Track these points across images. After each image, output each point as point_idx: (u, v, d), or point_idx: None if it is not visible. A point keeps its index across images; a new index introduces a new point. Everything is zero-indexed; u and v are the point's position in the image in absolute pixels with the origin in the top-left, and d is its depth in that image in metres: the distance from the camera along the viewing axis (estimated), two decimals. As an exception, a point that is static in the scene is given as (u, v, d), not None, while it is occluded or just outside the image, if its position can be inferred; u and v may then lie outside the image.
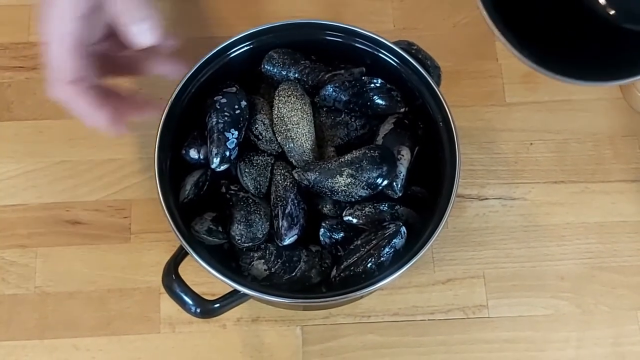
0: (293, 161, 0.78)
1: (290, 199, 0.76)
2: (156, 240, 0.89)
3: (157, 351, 0.85)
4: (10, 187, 0.90)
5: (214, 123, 0.76)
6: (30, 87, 0.94)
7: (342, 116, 0.81)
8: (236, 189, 0.78)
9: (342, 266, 0.74)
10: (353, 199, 0.76)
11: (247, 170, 0.78)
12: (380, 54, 0.81)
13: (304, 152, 0.78)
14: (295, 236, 0.76)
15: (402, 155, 0.77)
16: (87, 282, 0.87)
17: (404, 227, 0.74)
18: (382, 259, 0.73)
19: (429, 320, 0.87)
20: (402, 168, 0.77)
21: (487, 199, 0.91)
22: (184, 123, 0.79)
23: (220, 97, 0.78)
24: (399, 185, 0.77)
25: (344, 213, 0.76)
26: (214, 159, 0.76)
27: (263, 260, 0.76)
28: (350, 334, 0.86)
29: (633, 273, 0.88)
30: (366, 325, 0.86)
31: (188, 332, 0.85)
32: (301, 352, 0.85)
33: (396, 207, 0.77)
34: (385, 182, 0.75)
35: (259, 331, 0.86)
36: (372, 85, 0.80)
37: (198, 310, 0.73)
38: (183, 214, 0.75)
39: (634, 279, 0.88)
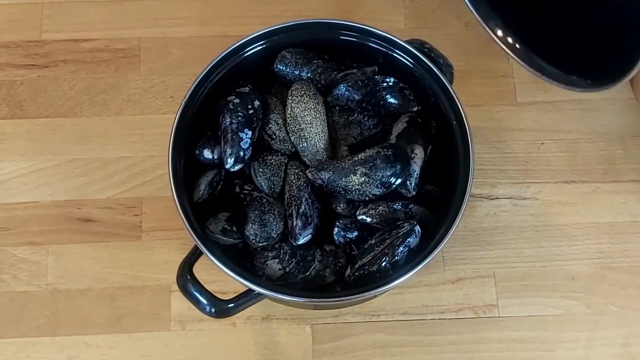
0: (306, 160, 0.78)
1: (304, 199, 0.76)
2: (167, 238, 0.89)
3: (167, 349, 0.85)
4: (22, 185, 0.91)
5: (227, 123, 0.77)
6: (42, 85, 0.95)
7: (355, 115, 0.81)
8: (250, 188, 0.78)
9: (357, 265, 0.75)
10: (367, 198, 0.76)
11: (261, 170, 0.78)
12: (393, 53, 0.81)
13: (318, 151, 0.78)
14: (310, 235, 0.76)
15: (416, 154, 0.78)
16: (98, 279, 0.87)
17: (418, 226, 0.74)
18: (396, 258, 0.74)
19: (438, 319, 0.87)
20: (416, 167, 0.77)
21: (497, 198, 0.91)
22: (198, 123, 0.79)
23: (234, 97, 0.78)
24: (413, 184, 0.77)
25: (357, 212, 0.76)
26: (228, 159, 0.76)
27: (277, 260, 0.76)
28: (360, 332, 0.86)
29: (644, 273, 0.88)
30: (376, 324, 0.86)
31: (198, 330, 0.85)
32: (311, 350, 0.85)
33: (410, 206, 0.77)
34: (399, 180, 0.75)
35: (269, 329, 0.86)
36: (385, 84, 0.80)
37: (213, 310, 0.73)
38: (197, 214, 0.75)
39: (645, 279, 0.88)
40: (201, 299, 0.73)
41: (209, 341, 0.85)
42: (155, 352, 0.85)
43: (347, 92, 0.79)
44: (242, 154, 0.76)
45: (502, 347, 0.86)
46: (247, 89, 0.79)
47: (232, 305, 0.74)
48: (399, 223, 0.75)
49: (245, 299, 0.74)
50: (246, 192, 0.78)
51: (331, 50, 0.82)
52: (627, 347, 0.86)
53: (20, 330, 0.85)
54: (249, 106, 0.77)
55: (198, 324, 0.85)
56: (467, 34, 0.98)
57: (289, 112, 0.78)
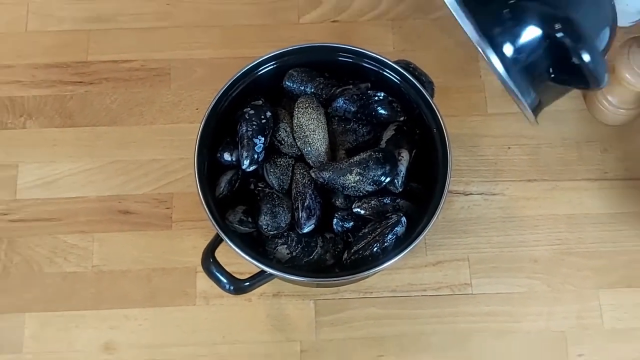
0: (310, 162, 0.80)
1: (308, 194, 0.77)
2: (193, 228, 0.89)
3: (193, 321, 0.86)
4: (72, 183, 0.92)
5: (244, 131, 0.77)
6: (88, 99, 0.96)
7: (351, 124, 0.81)
8: (263, 186, 0.79)
9: (352, 250, 0.76)
10: (361, 194, 0.77)
11: (272, 170, 0.79)
12: (383, 72, 0.81)
13: (320, 154, 0.79)
14: (313, 225, 0.77)
15: (402, 157, 0.78)
16: (136, 262, 0.88)
17: (404, 217, 0.76)
18: (385, 244, 0.75)
19: (422, 295, 0.87)
20: (402, 167, 0.78)
21: (471, 194, 0.92)
22: (219, 131, 0.80)
23: (249, 109, 0.79)
24: (400, 182, 0.78)
25: (353, 205, 0.77)
26: (245, 161, 0.77)
27: (286, 246, 0.77)
28: (356, 307, 0.87)
29: (595, 257, 0.89)
30: (369, 299, 0.87)
31: (219, 304, 0.86)
32: (314, 322, 0.86)
33: (397, 201, 0.78)
34: (388, 179, 0.77)
35: (279, 304, 0.87)
36: (376, 98, 0.81)
37: (232, 288, 0.75)
38: (218, 208, 0.76)
39: (596, 262, 0.89)
40: (222, 278, 0.74)
41: (229, 314, 0.86)
42: (184, 324, 0.86)
43: (344, 105, 0.80)
44: (256, 156, 0.77)
45: (477, 320, 0.86)
46: (260, 102, 0.80)
47: (247, 284, 0.75)
48: (388, 215, 0.76)
49: (258, 278, 0.75)
50: (259, 188, 0.79)
51: (331, 69, 0.83)
52: (581, 319, 0.86)
53: (70, 305, 0.86)
54: (262, 116, 0.78)
55: (219, 299, 0.86)
56: (446, 55, 0.97)
57: (295, 121, 0.79)
